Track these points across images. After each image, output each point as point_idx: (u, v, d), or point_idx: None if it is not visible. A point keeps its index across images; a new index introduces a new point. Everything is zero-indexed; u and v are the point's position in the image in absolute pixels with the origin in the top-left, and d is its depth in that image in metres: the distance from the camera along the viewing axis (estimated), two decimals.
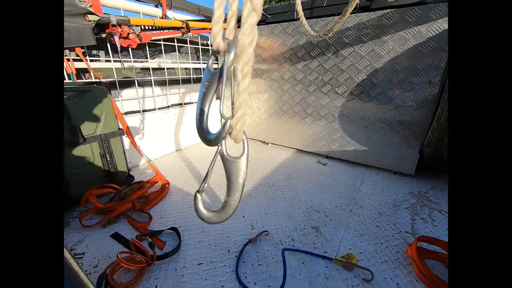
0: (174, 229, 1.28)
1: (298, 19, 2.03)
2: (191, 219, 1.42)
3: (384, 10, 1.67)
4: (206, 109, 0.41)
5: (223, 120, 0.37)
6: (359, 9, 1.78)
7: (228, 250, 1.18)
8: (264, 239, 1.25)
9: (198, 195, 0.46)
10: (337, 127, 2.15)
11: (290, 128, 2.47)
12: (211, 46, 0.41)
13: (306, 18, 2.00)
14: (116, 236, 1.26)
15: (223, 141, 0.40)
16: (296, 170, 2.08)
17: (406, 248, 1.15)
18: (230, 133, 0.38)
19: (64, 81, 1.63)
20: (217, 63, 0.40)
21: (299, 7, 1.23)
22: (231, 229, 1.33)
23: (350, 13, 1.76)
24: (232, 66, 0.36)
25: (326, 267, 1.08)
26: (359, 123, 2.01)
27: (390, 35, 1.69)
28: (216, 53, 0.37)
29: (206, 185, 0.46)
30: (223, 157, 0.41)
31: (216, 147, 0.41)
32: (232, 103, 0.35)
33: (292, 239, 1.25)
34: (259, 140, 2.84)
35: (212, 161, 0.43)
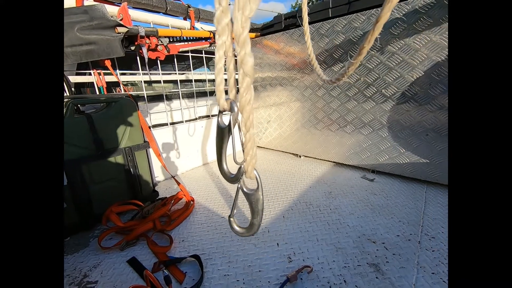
0: (196, 257, 1.08)
1: (336, 16, 1.85)
2: (216, 245, 1.21)
3: None
4: (223, 157, 0.50)
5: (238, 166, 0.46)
6: None
7: None
8: (306, 278, 0.97)
9: (231, 219, 0.56)
10: (386, 135, 1.81)
11: (326, 138, 2.18)
12: (218, 105, 0.42)
13: (345, 14, 1.79)
14: (133, 263, 1.10)
15: (241, 179, 0.48)
16: (337, 187, 1.76)
17: None
18: (245, 173, 0.44)
19: (93, 94, 1.64)
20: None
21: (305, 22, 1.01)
22: (263, 261, 1.08)
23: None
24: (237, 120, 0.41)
25: None
26: (416, 130, 1.65)
27: None
28: (222, 111, 0.42)
29: (235, 211, 0.54)
30: (243, 191, 0.48)
31: (237, 184, 0.49)
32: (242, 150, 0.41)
33: (344, 281, 0.95)
34: (290, 153, 2.59)
35: (236, 194, 0.50)
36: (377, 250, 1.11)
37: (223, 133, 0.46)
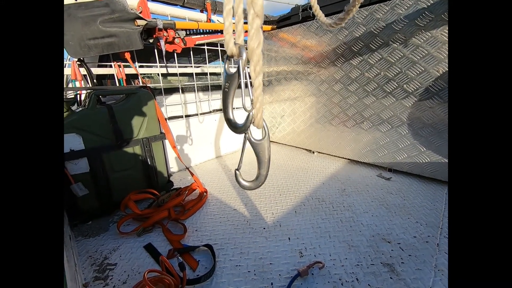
0: (209, 247, 1.11)
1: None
2: (228, 236, 1.23)
3: None
4: (230, 106, 0.50)
5: (246, 113, 0.46)
6: None
7: (272, 283, 0.93)
8: (317, 274, 0.97)
9: (237, 172, 0.56)
10: (405, 133, 1.73)
11: (341, 134, 2.13)
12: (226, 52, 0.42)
13: (367, 5, 1.71)
14: (149, 248, 1.15)
15: (249, 129, 0.47)
16: (352, 185, 1.72)
17: None
18: (253, 122, 0.44)
19: (113, 86, 1.70)
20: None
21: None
22: (274, 254, 1.09)
23: None
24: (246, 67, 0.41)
25: None
26: (439, 128, 1.56)
27: None
28: (230, 57, 0.42)
29: (241, 164, 0.56)
30: (250, 141, 0.48)
31: (244, 134, 0.49)
32: (251, 99, 0.42)
33: (357, 279, 0.94)
34: (303, 148, 2.55)
35: (243, 145, 0.50)
36: (392, 250, 1.08)
37: (230, 80, 0.46)
